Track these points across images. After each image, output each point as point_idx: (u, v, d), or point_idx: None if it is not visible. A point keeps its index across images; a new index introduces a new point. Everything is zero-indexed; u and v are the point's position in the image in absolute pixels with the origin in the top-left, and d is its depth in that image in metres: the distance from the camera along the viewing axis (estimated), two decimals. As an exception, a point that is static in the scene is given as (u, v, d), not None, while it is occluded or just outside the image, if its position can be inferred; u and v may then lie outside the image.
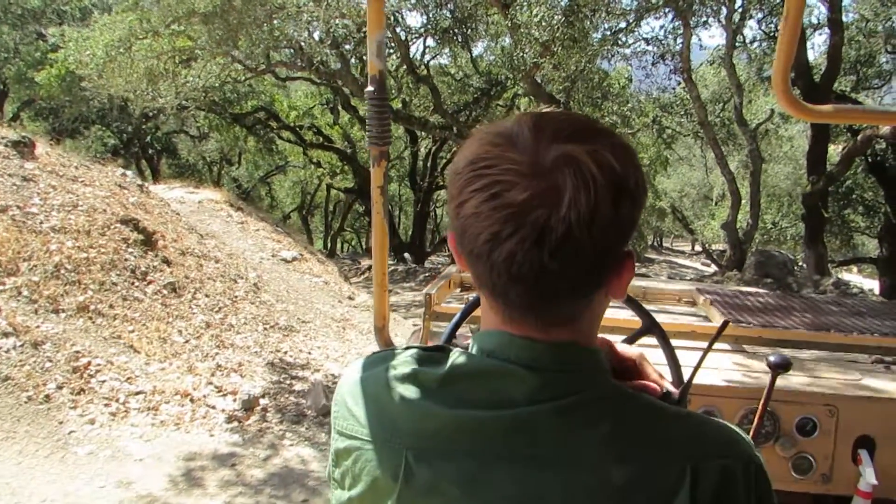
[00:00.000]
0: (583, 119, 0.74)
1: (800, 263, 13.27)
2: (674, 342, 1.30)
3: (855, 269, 25.20)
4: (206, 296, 6.25)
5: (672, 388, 1.02)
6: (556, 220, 0.65)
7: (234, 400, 5.01)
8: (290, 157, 24.34)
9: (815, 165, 13.53)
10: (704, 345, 1.46)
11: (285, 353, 6.04)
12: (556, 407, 0.71)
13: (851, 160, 12.07)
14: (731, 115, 14.06)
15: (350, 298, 8.39)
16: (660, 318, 1.35)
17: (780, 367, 1.44)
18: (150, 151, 24.31)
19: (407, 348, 0.82)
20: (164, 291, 5.90)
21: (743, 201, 14.03)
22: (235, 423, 4.75)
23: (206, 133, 24.27)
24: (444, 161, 21.13)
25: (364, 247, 40.32)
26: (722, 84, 17.05)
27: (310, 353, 6.21)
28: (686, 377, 1.09)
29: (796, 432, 1.71)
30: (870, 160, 14.78)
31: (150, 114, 20.75)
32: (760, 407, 1.47)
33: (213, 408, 4.88)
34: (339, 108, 19.77)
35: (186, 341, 5.55)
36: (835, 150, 15.54)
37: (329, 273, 9.14)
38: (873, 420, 1.71)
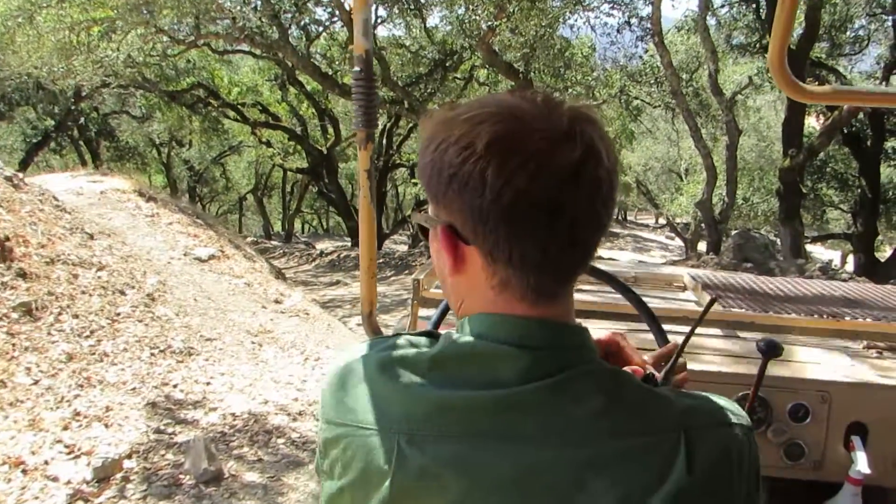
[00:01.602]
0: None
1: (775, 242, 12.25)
2: (665, 327, 1.27)
3: (818, 243, 24.55)
4: (75, 316, 4.89)
5: (655, 371, 1.02)
6: (603, 172, 0.69)
7: (88, 464, 3.71)
8: (238, 137, 22.72)
9: (791, 138, 12.47)
10: (696, 329, 1.68)
11: (175, 386, 4.73)
12: (547, 384, 0.70)
13: (834, 132, 11.01)
14: (703, 85, 12.87)
15: (277, 302, 7.07)
16: (651, 302, 1.32)
17: (771, 352, 1.34)
18: (89, 134, 22.44)
19: (396, 335, 0.81)
20: (14, 315, 4.54)
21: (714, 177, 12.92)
22: (80, 504, 3.45)
23: (150, 113, 22.53)
24: (401, 138, 19.77)
25: (325, 227, 38.82)
26: (690, 52, 15.89)
27: (209, 383, 4.91)
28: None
29: (788, 418, 1.65)
30: (845, 131, 13.79)
31: (83, 93, 19.07)
32: (751, 392, 1.39)
33: (55, 480, 3.57)
34: (287, 83, 18.28)
35: (36, 382, 4.21)
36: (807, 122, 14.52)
37: (256, 271, 7.79)
38: (866, 407, 1.64)
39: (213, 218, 9.00)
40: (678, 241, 32.39)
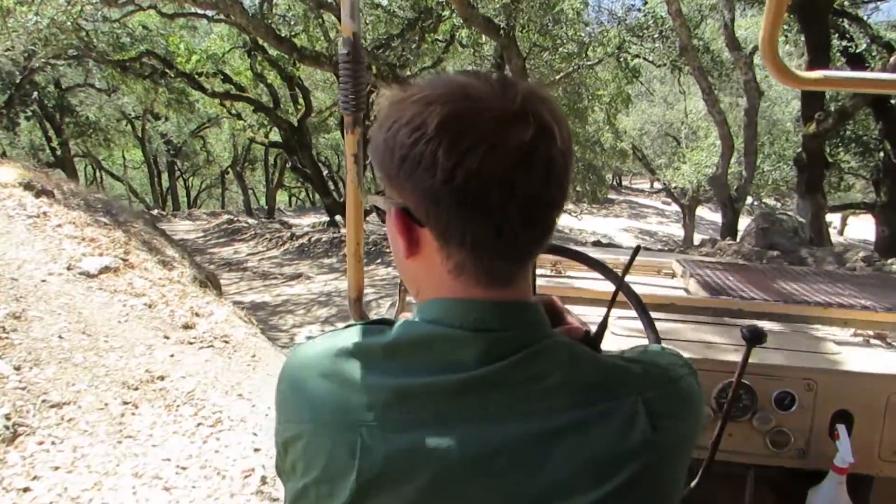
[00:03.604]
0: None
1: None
2: (653, 314, 1.27)
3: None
4: None
5: (591, 329, 1.05)
6: (556, 152, 0.68)
7: None
8: (209, 109, 20.75)
9: (811, 100, 10.65)
10: (684, 317, 1.86)
11: (-38, 504, 3.04)
12: (505, 365, 0.69)
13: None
14: (713, 38, 10.96)
15: (187, 328, 5.35)
16: (638, 290, 1.31)
17: (754, 340, 1.32)
18: (49, 110, 20.44)
19: (347, 325, 0.79)
20: None
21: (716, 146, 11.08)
22: None
23: (116, 86, 20.52)
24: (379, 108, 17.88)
25: (312, 201, 36.87)
26: (692, 4, 13.93)
27: (27, 489, 3.21)
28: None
29: (774, 406, 1.60)
30: (869, 89, 11.93)
31: (33, 66, 17.12)
32: (735, 380, 1.38)
33: None
34: (253, 50, 16.30)
35: None
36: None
37: (171, 283, 6.05)
38: (852, 395, 1.60)
39: (132, 212, 7.22)
40: (675, 207, 30.67)
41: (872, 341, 1.85)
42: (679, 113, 26.57)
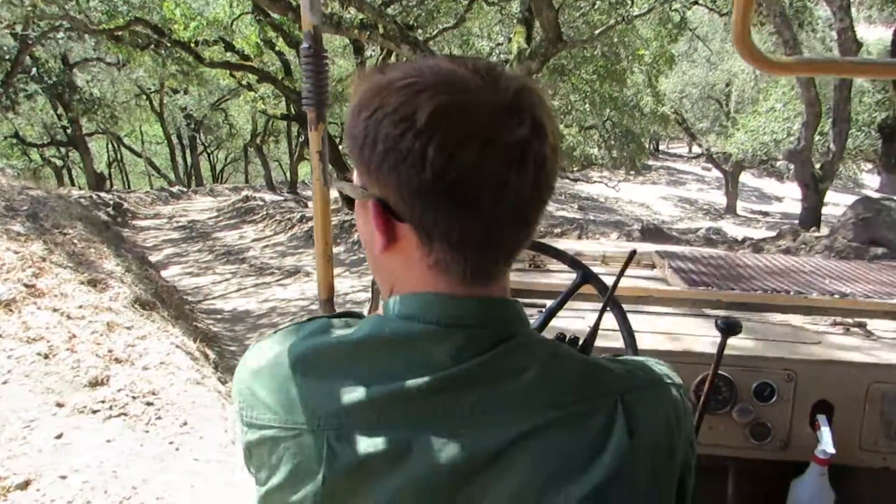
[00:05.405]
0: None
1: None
2: (630, 307, 1.20)
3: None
4: None
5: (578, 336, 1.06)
6: (548, 149, 0.64)
7: None
8: (221, 80, 19.19)
9: (904, 50, 8.61)
10: (661, 309, 1.75)
11: None
12: (480, 362, 0.65)
13: None
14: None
15: (95, 384, 3.79)
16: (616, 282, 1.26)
17: (729, 331, 1.30)
18: (58, 88, 19.04)
19: (311, 319, 0.72)
20: None
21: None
22: None
23: (125, 60, 19.06)
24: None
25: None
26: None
27: None
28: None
29: (754, 398, 1.56)
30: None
31: (30, 41, 15.74)
32: (711, 371, 1.34)
33: None
34: (259, 15, 14.61)
35: None
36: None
37: (94, 311, 4.49)
38: (832, 385, 1.55)
39: (70, 213, 5.65)
40: (715, 173, 28.38)
41: (852, 329, 1.77)
42: (723, 73, 24.20)
